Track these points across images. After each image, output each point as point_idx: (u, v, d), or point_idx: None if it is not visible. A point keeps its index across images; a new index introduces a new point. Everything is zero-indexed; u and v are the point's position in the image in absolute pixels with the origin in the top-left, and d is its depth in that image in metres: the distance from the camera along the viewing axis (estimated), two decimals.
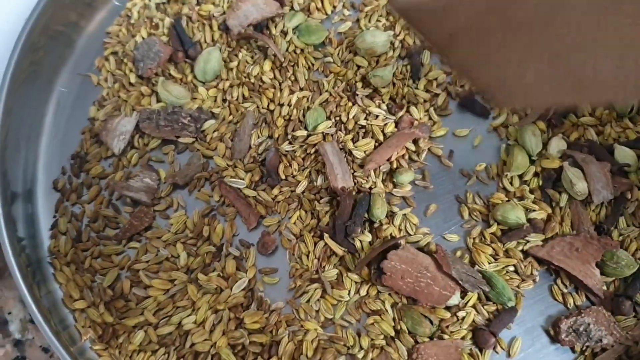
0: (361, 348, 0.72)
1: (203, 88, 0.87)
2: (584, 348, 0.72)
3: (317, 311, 0.74)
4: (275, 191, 0.80)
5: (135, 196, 0.79)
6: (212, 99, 0.87)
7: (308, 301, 0.74)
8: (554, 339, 0.73)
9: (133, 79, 0.89)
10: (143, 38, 0.91)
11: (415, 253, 0.73)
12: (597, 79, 0.55)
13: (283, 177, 0.81)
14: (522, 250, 0.77)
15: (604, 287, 0.74)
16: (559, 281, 0.75)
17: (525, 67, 0.58)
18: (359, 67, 0.89)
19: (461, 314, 0.73)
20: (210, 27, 0.92)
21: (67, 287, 0.76)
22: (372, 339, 0.72)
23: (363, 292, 0.74)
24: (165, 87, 0.85)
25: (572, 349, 0.72)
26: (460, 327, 0.72)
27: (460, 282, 0.71)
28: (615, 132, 0.83)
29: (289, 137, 0.84)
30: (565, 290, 0.75)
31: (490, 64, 0.61)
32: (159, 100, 0.87)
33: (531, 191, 0.80)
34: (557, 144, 0.82)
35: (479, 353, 0.71)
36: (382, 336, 0.72)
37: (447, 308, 0.73)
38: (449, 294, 0.71)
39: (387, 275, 0.71)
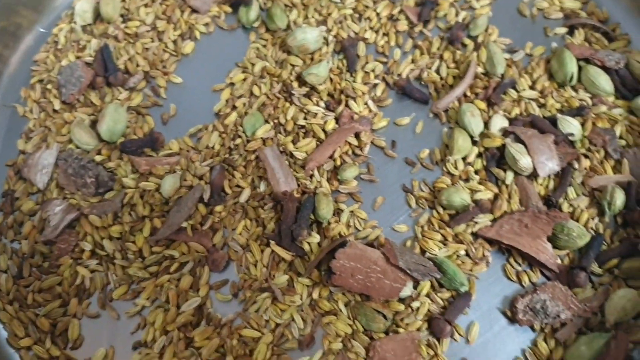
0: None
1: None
2: (543, 326, 0.70)
3: (267, 321, 0.72)
4: (219, 208, 0.78)
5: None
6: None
7: (257, 311, 0.72)
8: (512, 319, 0.71)
9: (57, 105, 0.87)
10: (70, 62, 0.89)
11: (363, 249, 0.72)
12: None
13: (229, 191, 0.79)
14: (471, 233, 0.75)
15: (558, 261, 0.73)
16: (511, 260, 0.74)
17: None
18: (293, 66, 0.88)
19: (415, 304, 0.71)
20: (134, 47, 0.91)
21: (11, 325, 0.74)
22: (329, 342, 0.70)
23: (315, 294, 0.73)
24: (75, 131, 0.83)
25: (532, 328, 0.71)
26: (415, 318, 0.71)
27: (409, 272, 0.70)
28: (557, 102, 0.82)
29: (230, 146, 0.82)
30: (519, 269, 0.74)
31: None
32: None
33: (476, 172, 0.79)
34: (498, 122, 0.81)
35: (437, 343, 0.70)
36: (339, 338, 0.71)
37: (401, 300, 0.72)
38: (400, 286, 0.70)
39: (337, 275, 0.70)
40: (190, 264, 0.75)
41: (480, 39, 0.89)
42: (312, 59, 0.88)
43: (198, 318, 0.73)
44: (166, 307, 0.73)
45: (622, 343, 0.66)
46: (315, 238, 0.75)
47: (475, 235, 0.76)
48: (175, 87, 0.89)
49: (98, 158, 0.82)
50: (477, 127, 0.80)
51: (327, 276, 0.72)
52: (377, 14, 0.92)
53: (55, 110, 0.87)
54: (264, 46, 0.91)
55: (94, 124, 0.85)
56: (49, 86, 0.89)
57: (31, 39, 0.95)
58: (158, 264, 0.75)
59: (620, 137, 0.80)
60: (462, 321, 0.72)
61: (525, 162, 0.75)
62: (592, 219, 0.75)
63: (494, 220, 0.76)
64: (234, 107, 0.85)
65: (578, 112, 0.81)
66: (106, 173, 0.81)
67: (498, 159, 0.79)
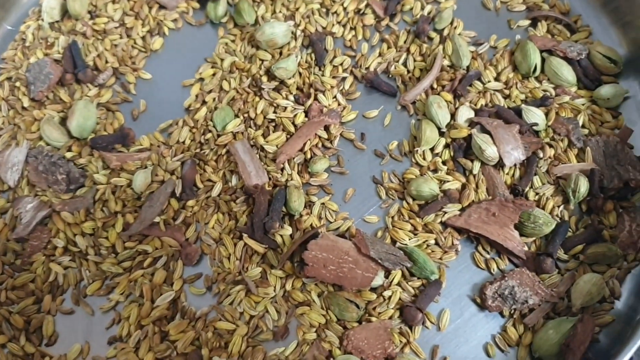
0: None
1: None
2: (512, 311, 0.72)
3: (241, 313, 0.73)
4: (191, 203, 0.79)
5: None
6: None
7: (232, 303, 0.73)
8: (482, 306, 0.73)
9: (26, 102, 0.87)
10: (38, 59, 0.89)
11: (334, 240, 0.73)
12: None
13: (201, 186, 0.80)
14: (440, 222, 0.77)
15: (525, 248, 0.75)
16: (480, 248, 0.76)
17: None
18: (262, 60, 0.88)
19: (387, 293, 0.73)
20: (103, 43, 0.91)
21: None
22: (304, 332, 0.71)
23: (289, 286, 0.74)
24: (45, 128, 0.83)
25: (501, 314, 0.73)
26: (387, 307, 0.72)
27: (380, 261, 0.71)
28: (522, 93, 0.84)
29: (201, 140, 0.83)
30: (487, 257, 0.75)
31: None
32: None
33: (444, 162, 0.80)
34: (464, 113, 0.82)
35: (409, 330, 0.71)
36: (313, 328, 0.71)
37: (373, 290, 0.73)
38: (371, 275, 0.71)
39: (310, 266, 0.71)
40: (163, 258, 0.75)
41: (445, 32, 0.90)
42: (280, 53, 0.89)
43: (173, 312, 0.73)
44: (140, 301, 0.73)
45: (589, 326, 0.68)
46: (288, 230, 0.76)
47: (444, 224, 0.77)
48: (144, 83, 0.89)
49: (69, 155, 0.82)
50: (444, 118, 0.81)
51: (299, 268, 0.73)
52: (344, 9, 0.93)
53: (24, 108, 0.87)
54: (233, 41, 0.91)
55: (63, 121, 0.85)
56: (17, 84, 0.88)
57: None
58: (131, 259, 0.76)
59: (583, 126, 0.82)
60: (433, 309, 0.73)
61: (491, 151, 0.77)
62: (558, 206, 0.77)
63: (463, 210, 0.77)
64: (204, 102, 0.86)
65: (542, 103, 0.82)
66: (77, 169, 0.81)
67: (465, 149, 0.80)
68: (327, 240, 0.73)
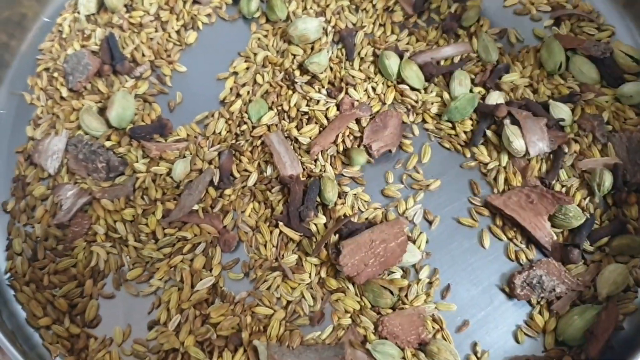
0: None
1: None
2: (540, 299, 0.74)
3: (278, 298, 0.75)
4: (228, 191, 0.81)
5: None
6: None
7: (269, 289, 0.75)
8: (510, 294, 0.75)
9: (64, 92, 0.89)
10: (75, 50, 0.91)
11: (354, 240, 0.75)
12: None
13: (238, 175, 0.82)
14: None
15: (554, 238, 0.77)
16: (514, 240, 0.78)
17: None
18: (294, 55, 0.91)
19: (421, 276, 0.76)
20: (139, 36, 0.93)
21: (30, 306, 0.76)
22: (339, 318, 0.73)
23: (323, 273, 0.76)
24: (84, 118, 0.85)
25: (529, 302, 0.75)
26: (420, 292, 0.75)
27: None
28: (548, 89, 0.87)
29: (236, 132, 0.85)
30: (517, 248, 0.78)
31: None
32: None
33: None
34: (494, 97, 0.85)
35: (441, 318, 0.74)
36: (348, 314, 0.74)
37: (404, 275, 0.76)
38: (402, 233, 0.74)
39: (356, 275, 0.73)
40: (202, 244, 0.77)
41: (472, 30, 0.93)
42: (312, 48, 0.91)
43: (212, 297, 0.75)
44: (180, 286, 0.76)
45: (613, 313, 0.71)
46: (322, 219, 0.79)
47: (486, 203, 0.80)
48: (180, 76, 0.91)
49: (108, 144, 0.84)
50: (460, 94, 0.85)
51: (335, 256, 0.75)
52: (374, 5, 0.95)
53: (62, 98, 0.89)
54: (265, 36, 0.93)
55: (101, 111, 0.87)
56: (55, 74, 0.90)
57: (36, 28, 0.96)
58: (171, 245, 0.78)
59: (607, 123, 0.84)
60: (464, 297, 0.76)
61: (518, 144, 0.79)
62: (584, 198, 0.79)
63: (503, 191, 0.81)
64: (239, 95, 0.88)
65: (569, 99, 0.85)
66: (116, 158, 0.83)
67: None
68: (349, 245, 0.74)
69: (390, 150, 0.83)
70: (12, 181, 0.84)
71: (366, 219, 0.79)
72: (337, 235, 0.77)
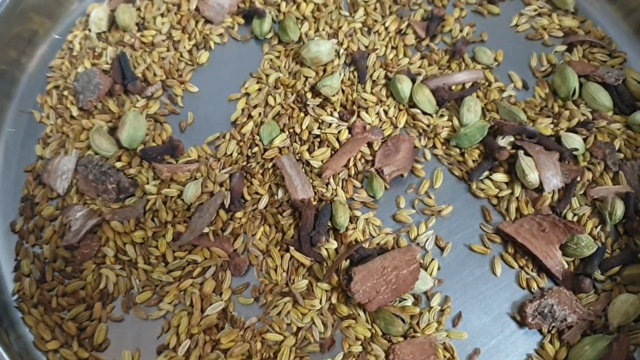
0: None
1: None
2: (551, 329, 0.74)
3: (288, 324, 0.74)
4: (239, 214, 0.80)
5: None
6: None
7: (279, 314, 0.75)
8: (522, 323, 0.75)
9: (75, 111, 0.89)
10: (86, 69, 0.91)
11: (365, 267, 0.74)
12: None
13: (248, 198, 0.82)
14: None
15: (565, 266, 0.77)
16: (525, 268, 0.78)
17: None
18: (306, 77, 0.90)
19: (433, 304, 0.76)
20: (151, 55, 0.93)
21: (38, 329, 0.75)
22: (349, 345, 0.73)
23: (334, 299, 0.75)
24: (95, 138, 0.84)
25: (540, 331, 0.74)
26: (431, 319, 0.74)
27: None
28: (566, 121, 0.87)
29: (248, 154, 0.85)
30: (528, 277, 0.77)
31: None
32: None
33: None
34: (503, 141, 0.84)
35: (452, 346, 0.73)
36: (359, 342, 0.73)
37: (416, 303, 0.75)
38: (414, 261, 0.74)
39: (368, 302, 0.72)
40: (212, 268, 0.77)
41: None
42: (324, 70, 0.91)
43: (222, 322, 0.75)
44: (190, 310, 0.75)
45: (624, 344, 0.70)
46: (333, 244, 0.78)
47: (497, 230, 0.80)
48: (191, 96, 0.91)
49: (118, 164, 0.84)
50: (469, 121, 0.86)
51: (346, 282, 0.74)
52: (386, 28, 0.95)
53: (72, 117, 0.88)
54: (277, 57, 0.93)
55: (112, 131, 0.86)
56: (65, 92, 0.90)
57: (47, 45, 0.96)
58: (181, 268, 0.77)
59: (619, 151, 0.84)
60: (475, 325, 0.75)
61: (533, 177, 0.79)
62: (595, 227, 0.79)
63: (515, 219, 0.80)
64: (250, 117, 0.88)
65: (583, 126, 0.85)
66: (127, 179, 0.82)
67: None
68: (361, 271, 0.74)
69: (402, 175, 0.83)
70: (20, 200, 0.84)
71: (377, 244, 0.79)
72: (348, 261, 0.76)
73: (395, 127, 0.87)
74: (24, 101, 0.91)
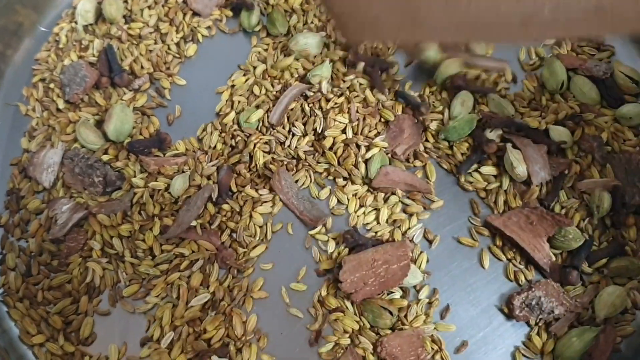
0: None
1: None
2: (538, 321, 0.74)
3: None
4: (226, 207, 0.80)
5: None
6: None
7: None
8: (509, 315, 0.75)
9: (61, 104, 0.88)
10: (72, 61, 0.90)
11: (357, 257, 0.75)
12: (428, 19, 0.59)
13: (235, 190, 0.82)
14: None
15: (553, 258, 0.77)
16: (513, 261, 0.78)
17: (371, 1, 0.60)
18: (295, 69, 0.90)
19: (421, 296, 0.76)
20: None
21: (23, 323, 0.74)
22: (338, 337, 0.73)
23: (323, 291, 0.76)
24: (81, 131, 0.83)
25: (528, 323, 0.75)
26: (419, 312, 0.75)
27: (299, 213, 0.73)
28: (552, 115, 0.86)
29: (231, 144, 0.85)
30: (517, 269, 0.78)
31: None
32: None
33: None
34: (492, 134, 0.84)
35: (440, 338, 0.73)
36: (347, 334, 0.73)
37: (404, 296, 0.75)
38: (406, 259, 0.74)
39: (354, 292, 0.73)
40: (200, 261, 0.77)
41: None
42: (312, 63, 0.90)
43: (205, 314, 0.75)
44: (175, 302, 0.75)
45: (611, 336, 0.71)
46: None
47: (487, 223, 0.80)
48: (179, 89, 0.91)
49: (105, 158, 0.83)
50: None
51: (336, 269, 0.75)
52: None
53: (58, 110, 0.88)
54: (265, 50, 0.93)
55: (98, 124, 0.86)
56: (51, 85, 0.89)
57: (32, 38, 0.95)
58: (168, 262, 0.77)
59: (606, 144, 0.84)
60: (463, 317, 0.75)
61: (521, 169, 0.79)
62: (583, 220, 0.79)
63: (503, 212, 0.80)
64: (232, 107, 0.87)
65: (571, 119, 0.85)
66: (114, 172, 0.82)
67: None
68: (351, 261, 0.74)
69: (416, 150, 0.84)
70: (5, 194, 0.83)
71: (375, 233, 0.79)
72: (344, 249, 0.77)
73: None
74: (10, 94, 0.90)
